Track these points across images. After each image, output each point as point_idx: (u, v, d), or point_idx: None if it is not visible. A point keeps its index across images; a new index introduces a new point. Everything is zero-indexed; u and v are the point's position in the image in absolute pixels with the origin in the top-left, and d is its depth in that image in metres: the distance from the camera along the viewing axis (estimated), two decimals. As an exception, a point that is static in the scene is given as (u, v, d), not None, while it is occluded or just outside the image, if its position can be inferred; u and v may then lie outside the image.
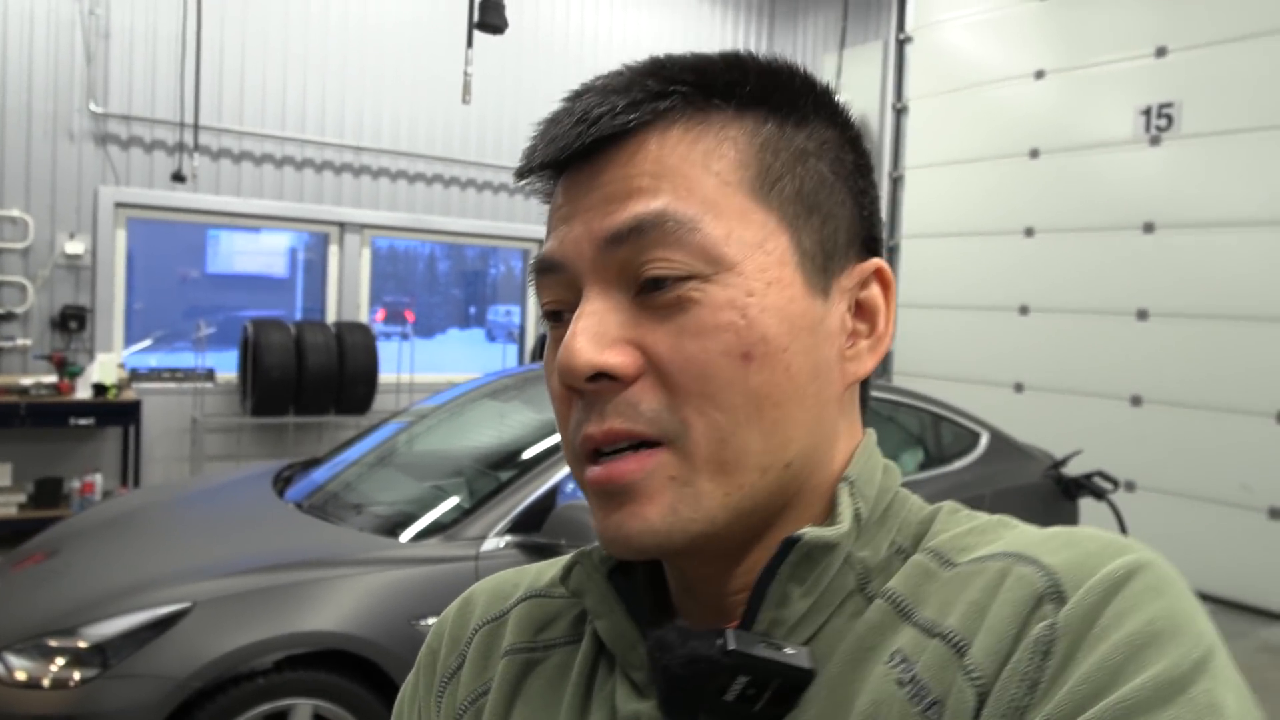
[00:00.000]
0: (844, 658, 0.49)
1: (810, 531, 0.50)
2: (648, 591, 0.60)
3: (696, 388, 0.49)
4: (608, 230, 0.51)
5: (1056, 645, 0.41)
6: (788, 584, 0.50)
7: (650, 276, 0.50)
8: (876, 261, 0.56)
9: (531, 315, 7.83)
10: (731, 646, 0.48)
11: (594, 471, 0.51)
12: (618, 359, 0.49)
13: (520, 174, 0.57)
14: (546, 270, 0.54)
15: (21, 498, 5.39)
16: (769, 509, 0.52)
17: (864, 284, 0.55)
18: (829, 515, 0.54)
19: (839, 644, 0.50)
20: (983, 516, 0.54)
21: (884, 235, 7.12)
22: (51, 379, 5.49)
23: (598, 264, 0.51)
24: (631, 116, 0.51)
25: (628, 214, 0.50)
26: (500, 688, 0.61)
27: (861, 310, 0.55)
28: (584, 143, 0.52)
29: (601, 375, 0.50)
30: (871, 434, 0.58)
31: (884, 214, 7.71)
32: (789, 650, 0.49)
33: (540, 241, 0.55)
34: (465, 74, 3.87)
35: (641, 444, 0.50)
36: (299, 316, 7.22)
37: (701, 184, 0.50)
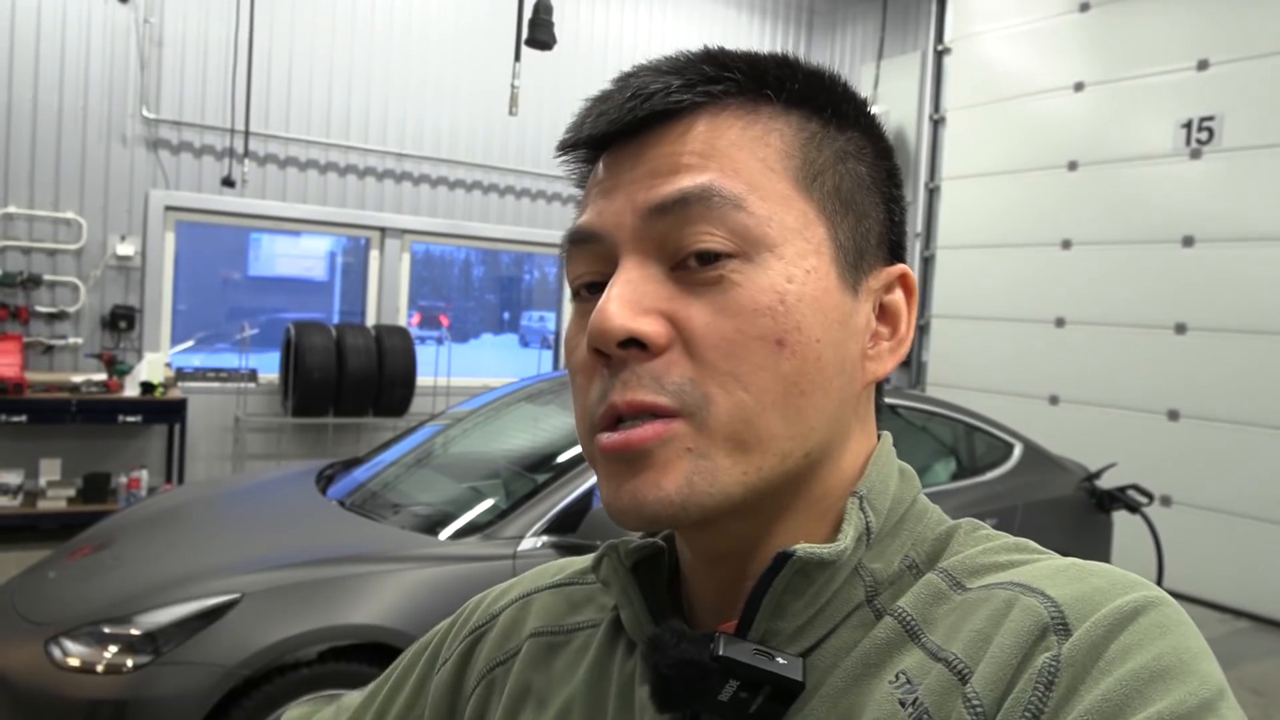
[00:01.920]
0: (848, 672, 0.49)
1: (803, 549, 0.50)
2: (667, 588, 0.60)
3: (726, 366, 0.49)
4: (652, 201, 0.51)
5: (1060, 677, 0.41)
6: (783, 596, 0.51)
7: (694, 250, 0.50)
8: (902, 267, 0.57)
9: (565, 322, 7.88)
10: (720, 653, 0.48)
11: (610, 437, 0.50)
12: (651, 327, 0.49)
13: (564, 146, 0.56)
14: (581, 241, 0.54)
15: (71, 492, 5.54)
16: (782, 497, 0.52)
17: (889, 288, 0.56)
18: (836, 528, 0.53)
19: (844, 657, 0.50)
20: (1001, 537, 0.53)
21: (920, 246, 7.02)
22: (101, 377, 5.65)
23: (638, 234, 0.51)
24: (685, 96, 0.52)
25: (673, 187, 0.50)
26: (521, 667, 0.64)
27: (885, 313, 0.56)
28: (636, 116, 0.52)
29: (632, 342, 0.49)
30: (887, 437, 0.58)
31: (920, 224, 7.66)
32: (780, 660, 0.49)
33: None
34: (513, 87, 3.94)
35: (661, 415, 0.49)
36: (336, 319, 7.35)
37: (748, 167, 0.51)
